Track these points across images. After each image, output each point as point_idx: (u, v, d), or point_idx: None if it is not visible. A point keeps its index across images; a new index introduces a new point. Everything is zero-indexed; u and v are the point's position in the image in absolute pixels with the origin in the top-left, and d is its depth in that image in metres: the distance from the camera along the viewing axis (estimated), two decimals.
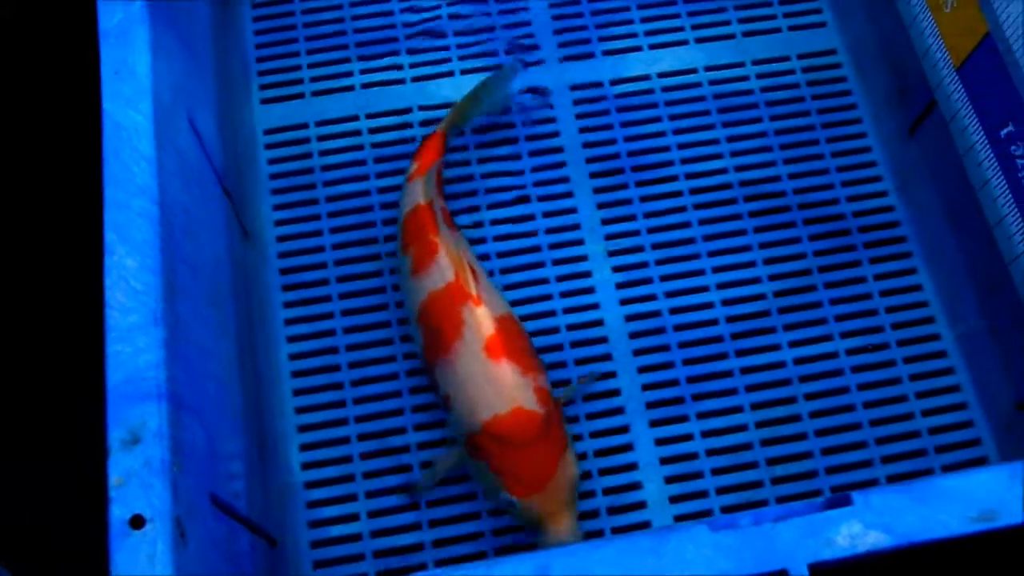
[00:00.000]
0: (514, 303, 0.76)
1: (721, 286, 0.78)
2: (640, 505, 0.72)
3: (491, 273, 0.77)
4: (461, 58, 0.85)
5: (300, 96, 0.83)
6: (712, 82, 0.84)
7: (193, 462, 0.52)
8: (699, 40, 0.86)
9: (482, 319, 0.66)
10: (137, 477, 0.48)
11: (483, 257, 0.78)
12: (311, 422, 0.73)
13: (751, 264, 0.78)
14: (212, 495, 0.54)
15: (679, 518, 0.71)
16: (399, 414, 0.74)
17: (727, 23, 0.87)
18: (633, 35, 0.86)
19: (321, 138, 0.82)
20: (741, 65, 0.85)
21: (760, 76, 0.85)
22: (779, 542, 0.48)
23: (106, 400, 0.49)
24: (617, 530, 0.71)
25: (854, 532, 0.48)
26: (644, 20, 0.86)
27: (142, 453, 0.48)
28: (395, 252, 0.74)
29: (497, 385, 0.64)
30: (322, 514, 0.71)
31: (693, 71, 0.85)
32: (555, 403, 0.66)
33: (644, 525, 0.71)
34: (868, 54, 0.85)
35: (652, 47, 0.86)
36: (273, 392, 0.73)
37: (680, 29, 0.86)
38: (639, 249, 0.79)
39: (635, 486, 0.72)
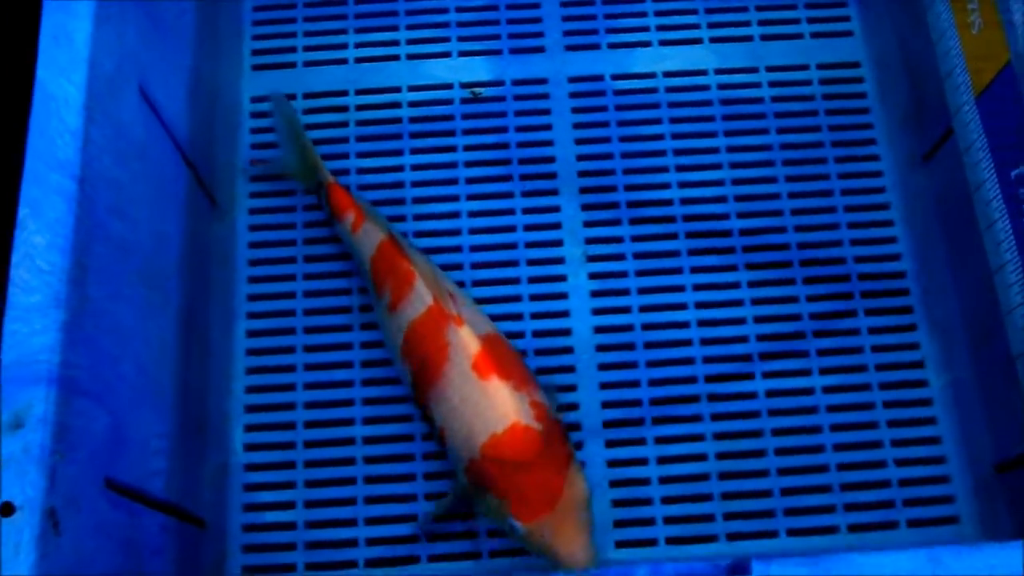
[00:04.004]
0: (480, 300, 0.73)
1: (700, 305, 0.74)
2: None
3: (460, 266, 0.75)
4: (461, 39, 0.81)
5: (292, 65, 0.81)
6: (721, 86, 0.80)
7: (85, 448, 0.51)
8: (713, 40, 0.81)
9: (466, 339, 0.63)
10: (15, 463, 0.47)
11: (455, 249, 0.75)
12: (259, 403, 0.72)
13: (735, 285, 0.74)
14: (109, 480, 0.53)
15: (621, 544, 0.69)
16: (349, 404, 0.72)
17: (746, 24, 0.81)
18: (644, 28, 0.81)
19: (307, 111, 0.79)
20: (754, 71, 0.80)
21: (773, 84, 0.80)
22: None
23: None
24: None
25: None
26: (658, 13, 0.82)
27: (22, 438, 0.47)
28: (369, 304, 0.72)
29: (490, 403, 0.62)
30: (258, 498, 0.70)
31: (702, 73, 0.80)
32: (555, 418, 0.64)
33: None
34: (891, 70, 0.79)
35: (662, 43, 0.81)
36: (224, 369, 0.72)
37: (695, 27, 0.81)
38: (620, 257, 0.75)
39: None
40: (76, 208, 0.52)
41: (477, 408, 0.61)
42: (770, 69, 0.80)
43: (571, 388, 0.72)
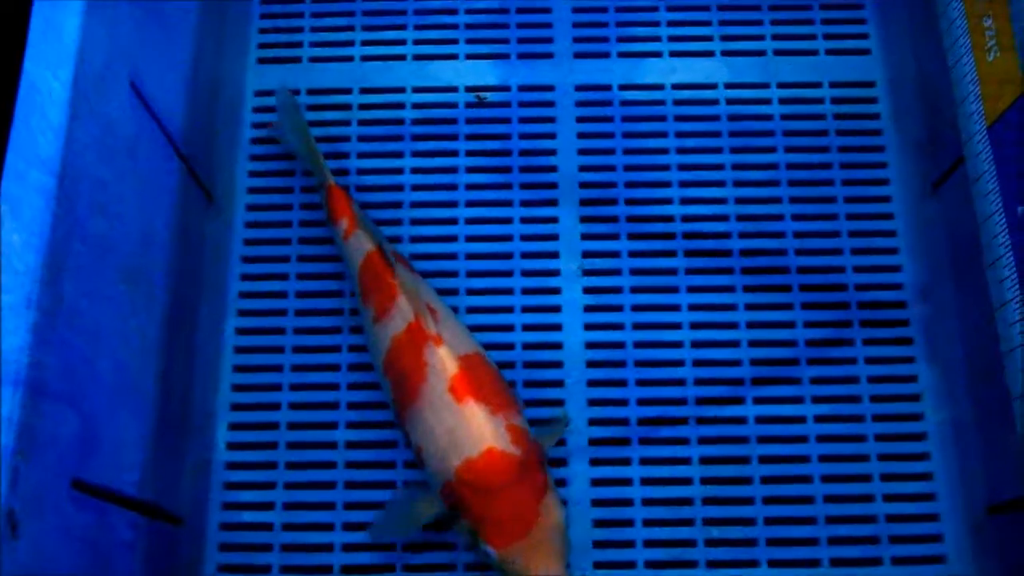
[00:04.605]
0: (472, 310, 0.73)
1: (695, 326, 0.73)
2: None
3: (455, 274, 0.74)
4: (469, 42, 0.80)
5: (297, 60, 0.80)
6: (730, 101, 0.78)
7: (52, 450, 0.50)
8: (725, 53, 0.79)
9: (445, 359, 0.63)
10: None
11: (450, 256, 0.74)
12: (245, 402, 0.72)
13: (732, 307, 0.73)
14: (76, 481, 0.53)
15: (599, 565, 0.68)
16: (334, 408, 0.71)
17: (759, 38, 0.80)
18: (655, 39, 0.80)
19: (311, 107, 0.78)
20: (765, 87, 0.78)
21: (784, 101, 0.78)
22: None
23: None
24: None
25: None
26: (671, 24, 0.80)
27: None
28: (357, 310, 0.71)
29: (466, 427, 0.61)
30: (238, 497, 0.70)
31: (712, 87, 0.78)
32: (533, 443, 0.63)
33: None
34: (907, 92, 0.77)
35: (673, 54, 0.79)
36: (210, 365, 0.72)
37: (707, 39, 0.80)
38: (616, 272, 0.74)
39: None
40: (55, 206, 0.51)
41: (453, 432, 0.61)
42: (782, 85, 0.78)
43: (559, 403, 0.71)
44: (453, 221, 0.75)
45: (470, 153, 0.77)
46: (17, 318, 0.49)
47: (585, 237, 0.75)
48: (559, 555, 0.59)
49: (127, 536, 0.59)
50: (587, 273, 0.74)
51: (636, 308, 0.73)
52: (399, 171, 0.76)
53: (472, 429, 0.61)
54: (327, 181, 0.72)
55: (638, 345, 0.72)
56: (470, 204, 0.76)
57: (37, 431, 0.49)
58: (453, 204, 0.76)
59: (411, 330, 0.64)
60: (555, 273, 0.74)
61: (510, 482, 0.59)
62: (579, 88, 0.79)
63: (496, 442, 0.60)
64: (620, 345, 0.72)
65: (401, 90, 0.79)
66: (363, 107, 0.79)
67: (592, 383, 0.72)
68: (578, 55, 0.80)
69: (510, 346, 0.72)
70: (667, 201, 0.76)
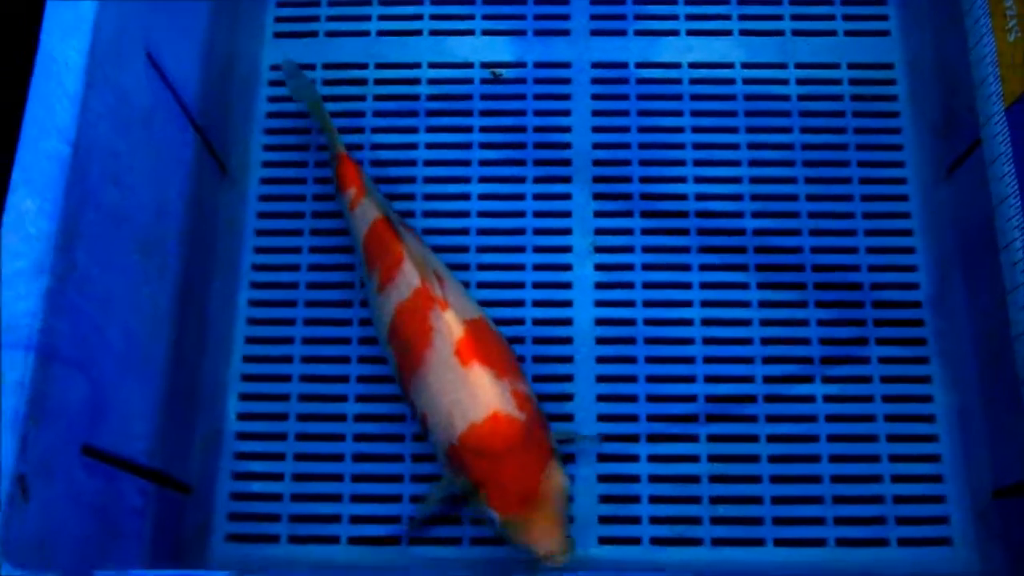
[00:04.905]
0: (483, 285, 0.73)
1: (706, 304, 0.73)
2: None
3: (466, 249, 0.74)
4: (485, 17, 0.80)
5: (314, 35, 0.80)
6: (746, 81, 0.77)
7: (63, 415, 0.51)
8: (743, 32, 0.79)
9: (450, 323, 0.63)
10: None
11: (462, 231, 0.75)
12: (255, 373, 0.72)
13: (743, 285, 0.73)
14: (86, 447, 0.53)
15: (604, 540, 0.68)
16: (344, 381, 0.72)
17: (778, 17, 0.79)
18: (672, 17, 0.79)
19: (326, 82, 0.79)
20: (783, 67, 0.78)
21: (801, 82, 0.77)
22: None
23: None
24: None
25: None
26: (689, 2, 0.80)
27: None
28: (362, 281, 0.71)
29: (470, 391, 0.61)
30: (247, 468, 0.70)
31: (729, 66, 0.78)
32: (538, 410, 0.63)
33: None
34: (925, 75, 0.77)
35: (690, 33, 0.79)
36: (222, 337, 0.72)
37: (726, 17, 0.79)
38: (628, 250, 0.74)
39: None
40: (69, 174, 0.52)
41: (457, 395, 0.61)
42: (799, 66, 0.78)
43: (567, 379, 0.71)
44: (466, 196, 0.75)
45: (484, 129, 0.77)
46: (29, 283, 0.50)
47: (598, 215, 0.75)
48: (561, 520, 0.59)
49: (136, 503, 0.60)
50: (599, 250, 0.74)
51: (647, 286, 0.73)
52: (413, 146, 0.77)
53: (477, 393, 0.61)
54: (338, 151, 0.72)
55: (648, 323, 0.72)
56: (483, 180, 0.76)
57: (48, 396, 0.50)
58: (466, 180, 0.76)
59: (417, 295, 0.64)
60: (567, 250, 0.74)
61: (514, 447, 0.59)
62: (595, 65, 0.78)
63: (501, 406, 0.60)
64: (630, 323, 0.72)
65: (417, 65, 0.79)
66: (379, 82, 0.79)
67: (601, 360, 0.72)
68: (595, 32, 0.79)
69: (520, 321, 0.73)
70: (681, 180, 0.75)
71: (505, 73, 0.78)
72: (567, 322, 0.73)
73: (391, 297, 0.65)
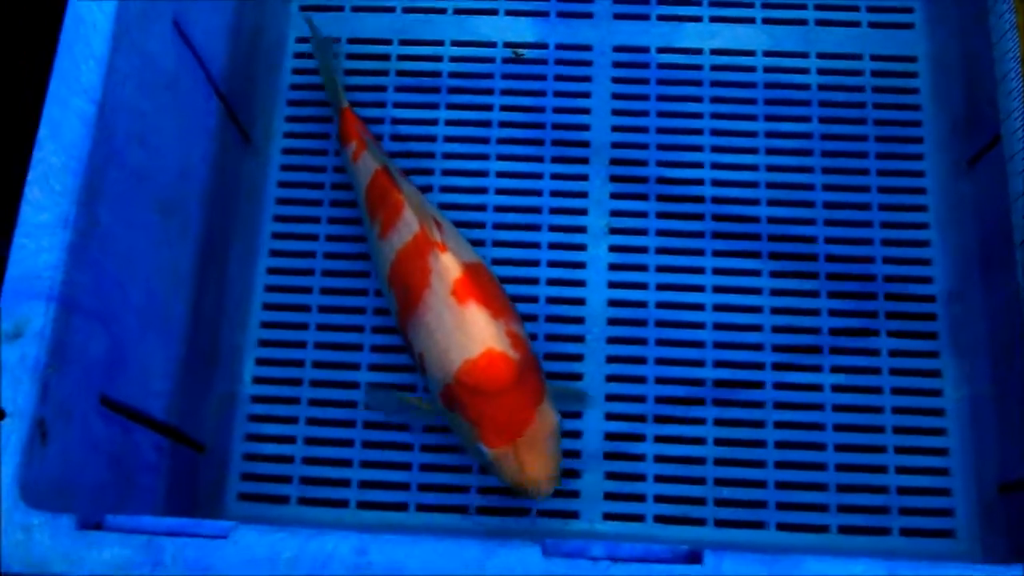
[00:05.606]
0: (498, 262, 0.74)
1: (718, 289, 0.73)
2: (573, 494, 0.69)
3: (482, 225, 0.75)
4: None
5: (339, 9, 0.81)
6: (767, 69, 0.78)
7: (82, 365, 0.53)
8: (766, 21, 0.79)
9: (448, 264, 0.64)
10: (10, 371, 0.49)
11: (479, 208, 0.75)
12: (272, 338, 0.73)
13: (756, 272, 0.73)
14: (104, 397, 0.55)
15: (609, 516, 0.69)
16: (358, 349, 0.73)
17: (802, 6, 0.79)
18: (696, 3, 0.80)
19: (350, 56, 0.80)
20: (804, 56, 0.78)
21: (822, 72, 0.78)
22: None
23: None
24: (540, 514, 0.69)
25: None
26: None
27: (19, 348, 0.49)
28: (364, 233, 0.72)
29: (467, 328, 0.62)
30: (261, 430, 0.72)
31: (750, 54, 0.78)
32: (532, 352, 0.64)
33: (571, 515, 0.69)
34: (948, 69, 0.77)
35: (713, 19, 0.79)
36: (240, 301, 0.74)
37: (749, 5, 0.80)
38: (643, 232, 0.75)
39: (572, 474, 0.70)
40: (94, 132, 0.53)
41: (453, 333, 0.62)
42: (821, 56, 0.78)
43: (578, 358, 0.72)
44: (484, 173, 0.76)
45: (504, 108, 0.78)
46: (53, 236, 0.51)
47: (614, 196, 0.76)
48: (551, 457, 0.60)
49: (151, 458, 0.61)
50: (613, 232, 0.75)
51: (660, 269, 0.74)
52: (434, 122, 0.78)
53: (473, 330, 0.62)
54: (342, 105, 0.73)
55: (660, 306, 0.73)
56: (501, 158, 0.77)
57: (68, 345, 0.51)
58: (485, 157, 0.77)
59: (416, 240, 0.65)
60: (582, 230, 0.75)
61: (508, 384, 0.60)
62: (617, 49, 0.79)
63: (496, 344, 0.61)
64: (642, 304, 0.73)
65: (440, 43, 0.80)
66: (401, 58, 0.80)
67: (612, 340, 0.72)
68: (617, 16, 0.80)
69: (534, 299, 0.73)
70: (698, 165, 0.76)
71: (527, 54, 0.79)
72: (580, 302, 0.73)
73: (392, 243, 0.66)
